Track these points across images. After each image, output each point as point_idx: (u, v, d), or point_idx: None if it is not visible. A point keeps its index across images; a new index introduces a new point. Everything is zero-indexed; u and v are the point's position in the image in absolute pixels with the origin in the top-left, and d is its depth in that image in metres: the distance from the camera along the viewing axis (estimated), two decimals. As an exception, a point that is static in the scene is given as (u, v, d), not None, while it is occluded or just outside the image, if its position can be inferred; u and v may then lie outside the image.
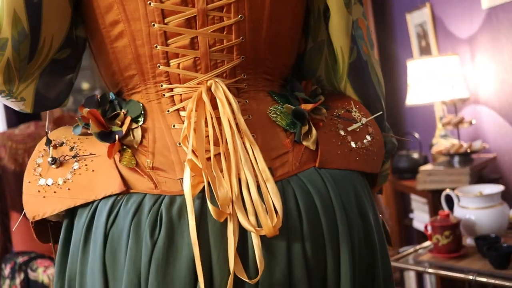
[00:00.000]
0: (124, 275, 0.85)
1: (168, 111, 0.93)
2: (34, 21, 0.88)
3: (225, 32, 0.92)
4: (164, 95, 0.94)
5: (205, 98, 0.89)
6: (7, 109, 3.36)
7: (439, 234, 1.98)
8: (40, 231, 0.96)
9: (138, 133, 0.93)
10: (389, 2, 3.61)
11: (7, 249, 2.96)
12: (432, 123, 3.16)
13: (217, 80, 0.91)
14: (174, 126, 0.92)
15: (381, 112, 1.06)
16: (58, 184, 0.91)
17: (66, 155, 0.93)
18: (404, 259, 2.12)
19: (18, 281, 2.71)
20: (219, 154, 0.88)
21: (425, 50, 3.19)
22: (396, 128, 3.62)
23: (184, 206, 0.85)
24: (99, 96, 0.98)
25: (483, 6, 2.54)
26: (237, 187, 0.86)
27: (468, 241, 2.07)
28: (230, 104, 0.89)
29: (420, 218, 2.91)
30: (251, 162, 0.87)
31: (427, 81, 2.72)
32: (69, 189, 0.90)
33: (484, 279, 1.79)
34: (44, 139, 0.96)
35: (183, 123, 0.90)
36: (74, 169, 0.91)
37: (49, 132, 0.98)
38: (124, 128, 0.93)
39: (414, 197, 2.98)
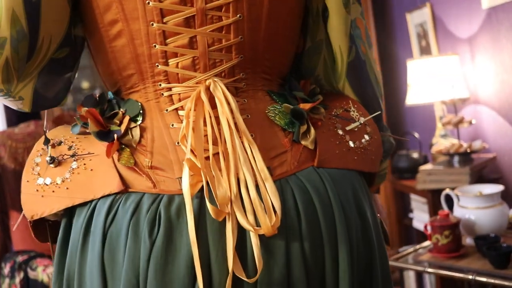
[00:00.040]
0: (123, 274, 0.85)
1: (167, 110, 0.93)
2: (33, 20, 0.88)
3: (223, 32, 0.92)
4: (162, 94, 0.94)
5: (204, 97, 0.89)
6: (7, 108, 3.36)
7: (438, 233, 1.98)
8: (38, 230, 0.97)
9: (136, 132, 0.93)
10: (389, 1, 3.61)
11: (7, 248, 2.96)
12: (432, 122, 3.16)
13: (215, 79, 0.91)
14: (172, 125, 0.92)
15: (379, 112, 1.06)
16: (57, 184, 0.91)
17: (65, 154, 0.93)
18: (403, 259, 2.12)
19: (17, 280, 2.71)
20: (217, 153, 0.88)
21: (425, 50, 3.19)
22: (396, 128, 3.63)
23: (183, 205, 0.85)
24: (97, 95, 0.98)
25: (483, 6, 2.54)
26: (235, 187, 0.86)
27: (468, 241, 2.07)
28: (228, 103, 0.89)
29: (420, 217, 2.91)
30: (250, 162, 0.87)
31: (427, 81, 2.72)
32: (67, 188, 0.90)
33: (483, 279, 1.79)
34: (42, 138, 0.95)
35: (182, 122, 0.90)
36: (73, 168, 0.91)
37: (47, 131, 0.98)
38: (123, 127, 0.93)
39: (413, 196, 2.98)
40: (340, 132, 0.98)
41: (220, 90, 0.90)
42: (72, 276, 0.90)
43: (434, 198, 2.52)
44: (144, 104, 0.95)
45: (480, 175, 2.52)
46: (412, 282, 3.01)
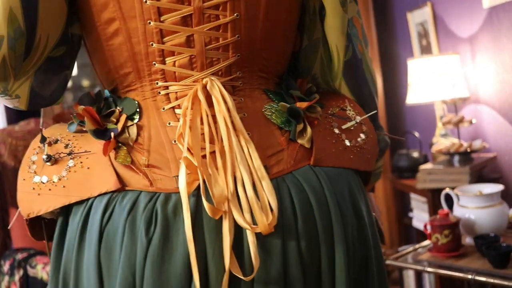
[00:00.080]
0: (119, 272, 0.85)
1: (164, 108, 0.94)
2: (30, 19, 0.88)
3: (221, 30, 0.92)
4: (159, 92, 0.94)
5: (201, 96, 0.89)
6: (7, 106, 3.36)
7: (438, 233, 1.98)
8: (35, 228, 0.97)
9: (133, 130, 0.93)
10: (390, 1, 3.60)
11: (7, 246, 2.97)
12: (432, 122, 3.16)
13: (212, 78, 0.91)
14: (169, 123, 0.92)
15: (375, 111, 1.07)
16: (53, 182, 0.91)
17: (61, 152, 0.93)
18: (403, 258, 2.12)
19: (17, 277, 2.72)
20: (214, 152, 0.88)
21: (425, 49, 3.19)
22: (396, 127, 3.62)
23: (179, 203, 0.85)
24: (94, 94, 0.98)
25: (484, 5, 2.54)
26: (232, 185, 0.86)
27: (468, 240, 2.07)
28: (225, 102, 0.89)
29: (420, 217, 2.91)
30: (247, 160, 0.87)
31: (427, 80, 2.71)
32: (64, 186, 0.90)
33: (483, 279, 1.79)
34: (38, 137, 0.96)
35: (179, 121, 0.90)
36: (69, 167, 0.91)
37: (43, 129, 0.98)
38: (120, 125, 0.93)
39: (413, 196, 2.98)
40: (337, 131, 0.99)
41: (217, 88, 0.90)
42: (69, 274, 0.90)
43: (434, 198, 2.52)
44: (141, 102, 0.95)
45: (480, 174, 2.52)
46: (411, 282, 3.01)
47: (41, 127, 0.98)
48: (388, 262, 2.11)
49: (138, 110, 0.94)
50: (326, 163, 0.94)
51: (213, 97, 0.90)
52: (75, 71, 3.82)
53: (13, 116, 3.36)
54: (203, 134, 0.89)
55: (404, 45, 3.47)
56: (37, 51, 0.91)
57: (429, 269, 1.98)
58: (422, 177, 2.52)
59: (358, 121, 1.01)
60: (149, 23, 0.90)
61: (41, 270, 2.64)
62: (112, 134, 0.91)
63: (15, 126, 3.02)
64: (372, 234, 0.97)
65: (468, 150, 2.46)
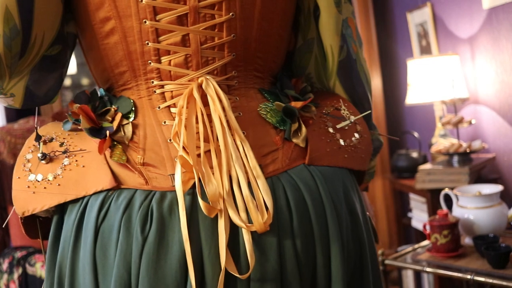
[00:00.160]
0: (114, 270, 0.85)
1: (159, 107, 0.94)
2: (26, 18, 0.88)
3: (216, 30, 0.92)
4: (155, 91, 0.94)
5: (196, 95, 0.89)
6: (7, 104, 3.35)
7: (437, 233, 1.98)
8: (29, 226, 0.96)
9: (128, 129, 0.93)
10: (389, 1, 3.60)
11: (5, 244, 2.97)
12: (431, 122, 3.16)
13: (208, 77, 0.91)
14: (165, 122, 0.93)
15: (370, 111, 1.07)
16: (48, 180, 0.91)
17: (56, 150, 0.93)
18: (402, 258, 2.12)
19: (16, 275, 2.72)
20: (209, 151, 0.89)
21: (425, 50, 3.19)
22: (395, 127, 3.63)
23: (175, 201, 0.86)
24: (89, 92, 0.98)
25: (484, 6, 2.54)
26: (228, 184, 0.86)
27: (467, 240, 2.07)
28: (221, 101, 0.89)
29: (419, 217, 2.91)
30: (242, 159, 0.88)
31: (427, 81, 2.71)
32: (59, 184, 0.90)
33: (482, 279, 1.79)
34: (33, 135, 0.95)
35: (174, 120, 0.91)
36: (65, 165, 0.91)
37: (38, 127, 0.98)
38: (115, 124, 0.93)
39: (413, 196, 2.98)
40: (331, 130, 0.99)
41: (212, 88, 0.90)
42: (64, 272, 0.90)
43: (433, 198, 2.52)
44: (136, 101, 0.95)
45: (479, 175, 2.53)
46: (410, 282, 3.01)
47: (36, 126, 0.98)
48: (387, 262, 2.12)
49: (133, 108, 0.95)
50: (320, 162, 0.95)
51: (208, 96, 0.90)
52: (74, 70, 3.81)
53: (12, 114, 3.36)
54: (198, 133, 0.89)
55: (403, 45, 3.47)
56: (33, 50, 0.91)
57: (428, 269, 1.98)
58: (421, 177, 2.52)
59: (352, 120, 1.02)
60: (145, 22, 0.90)
61: (40, 268, 2.63)
62: (108, 133, 0.91)
63: (14, 124, 3.02)
64: (366, 232, 0.97)
65: (468, 150, 2.46)
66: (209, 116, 0.90)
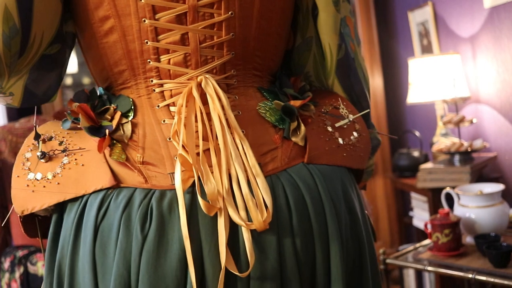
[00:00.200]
0: (114, 268, 0.85)
1: (158, 106, 0.94)
2: (25, 17, 0.88)
3: (215, 29, 0.92)
4: (154, 90, 0.94)
5: (195, 93, 0.89)
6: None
7: (439, 232, 1.98)
8: (29, 225, 0.96)
9: (128, 127, 0.93)
10: (391, 0, 3.60)
11: (7, 243, 2.97)
12: (433, 121, 3.16)
13: (207, 76, 0.91)
14: (164, 121, 0.93)
15: (368, 110, 1.07)
16: (48, 179, 0.91)
17: (56, 149, 0.93)
18: (403, 257, 2.12)
19: (17, 274, 2.72)
20: (208, 149, 0.89)
21: (426, 49, 3.19)
22: (397, 126, 3.62)
23: (175, 200, 0.86)
24: (88, 91, 0.98)
25: (485, 5, 2.54)
26: (227, 182, 0.86)
27: (468, 239, 2.07)
28: (220, 100, 0.89)
29: (420, 216, 2.91)
30: (241, 158, 0.88)
31: (428, 80, 2.71)
32: (58, 183, 0.90)
33: (483, 278, 1.79)
34: (32, 134, 0.95)
35: (173, 118, 0.91)
36: (64, 164, 0.91)
37: (37, 126, 0.98)
38: (114, 122, 0.93)
39: (414, 195, 2.98)
40: (330, 129, 0.99)
41: (211, 86, 0.90)
42: (63, 271, 0.90)
43: (434, 197, 2.52)
44: (135, 100, 0.96)
45: (481, 174, 2.52)
46: (411, 281, 3.01)
47: (35, 124, 0.98)
48: (388, 261, 2.12)
49: (132, 107, 0.95)
50: (319, 161, 0.95)
51: (207, 95, 0.90)
52: (75, 69, 3.81)
53: (14, 113, 3.36)
54: (197, 131, 0.89)
55: (405, 44, 3.47)
56: (32, 49, 0.91)
57: (430, 268, 1.98)
58: (422, 176, 2.52)
59: (351, 119, 1.02)
60: (144, 21, 0.91)
61: (42, 267, 2.64)
62: (107, 131, 0.92)
63: (15, 123, 3.02)
64: (365, 231, 0.97)
65: (469, 149, 2.46)
66: (208, 114, 0.90)
